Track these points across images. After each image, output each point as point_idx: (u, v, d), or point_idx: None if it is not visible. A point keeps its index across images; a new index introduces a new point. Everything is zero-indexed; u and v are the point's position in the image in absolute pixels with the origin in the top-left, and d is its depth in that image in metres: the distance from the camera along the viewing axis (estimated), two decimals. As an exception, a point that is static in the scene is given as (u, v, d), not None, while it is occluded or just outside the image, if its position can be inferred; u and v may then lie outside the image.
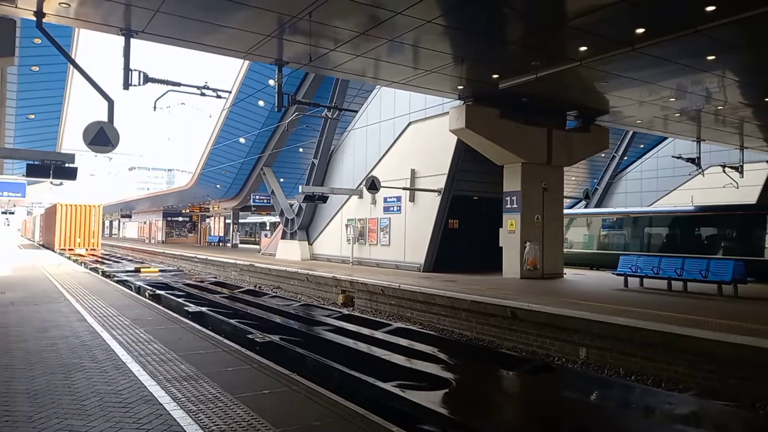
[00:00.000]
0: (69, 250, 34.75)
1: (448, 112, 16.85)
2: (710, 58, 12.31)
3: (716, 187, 27.55)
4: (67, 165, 11.93)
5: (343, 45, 12.16)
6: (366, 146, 23.04)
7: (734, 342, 7.83)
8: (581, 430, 6.81)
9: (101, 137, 10.56)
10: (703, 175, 26.29)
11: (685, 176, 30.20)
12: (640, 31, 10.87)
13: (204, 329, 8.57)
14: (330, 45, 12.24)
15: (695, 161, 24.08)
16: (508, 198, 17.37)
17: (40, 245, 48.12)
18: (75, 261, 28.37)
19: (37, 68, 19.97)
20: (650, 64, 12.74)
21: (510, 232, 17.26)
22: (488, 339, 11.87)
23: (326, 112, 20.23)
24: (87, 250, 35.67)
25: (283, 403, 4.88)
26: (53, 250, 36.26)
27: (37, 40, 16.13)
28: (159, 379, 5.50)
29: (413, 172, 20.15)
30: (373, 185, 19.25)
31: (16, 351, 6.66)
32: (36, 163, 11.73)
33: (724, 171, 26.20)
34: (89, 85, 11.28)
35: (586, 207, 34.82)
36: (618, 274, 14.98)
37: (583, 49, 11.98)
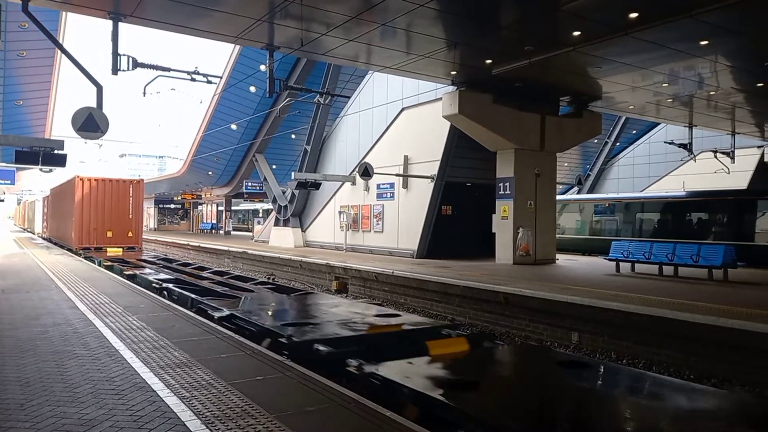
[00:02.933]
0: (96, 249, 21.87)
1: (441, 98, 16.77)
2: (703, 43, 12.30)
3: (708, 172, 27.70)
4: (56, 151, 11.79)
5: (335, 29, 12.03)
6: (359, 132, 22.92)
7: (723, 326, 7.91)
8: None
9: (90, 123, 10.44)
10: (695, 160, 26.44)
11: (677, 162, 30.36)
12: (633, 15, 10.83)
13: (197, 316, 8.55)
14: (322, 29, 12.11)
15: (687, 147, 24.18)
16: (501, 184, 17.38)
17: (44, 239, 34.58)
18: (118, 272, 16.69)
19: (24, 53, 19.65)
20: (643, 49, 12.71)
21: (503, 218, 17.29)
22: (481, 324, 11.94)
23: (318, 98, 20.07)
24: (124, 250, 22.48)
25: (277, 389, 4.88)
26: (69, 249, 23.47)
27: (24, 24, 15.85)
28: (152, 366, 5.49)
29: (406, 158, 20.09)
30: (366, 172, 19.19)
31: (7, 339, 6.62)
32: (25, 149, 11.59)
33: (715, 156, 26.34)
34: (77, 70, 11.12)
35: (578, 193, 34.95)
36: (610, 260, 15.08)
37: (576, 34, 11.93)
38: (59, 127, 30.25)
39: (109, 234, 22.05)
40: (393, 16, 11.22)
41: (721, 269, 12.93)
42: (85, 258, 20.51)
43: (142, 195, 23.66)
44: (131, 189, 22.86)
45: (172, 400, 4.49)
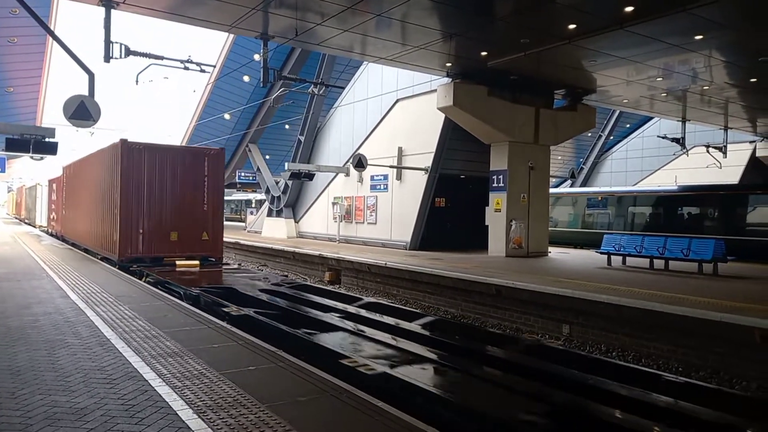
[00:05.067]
0: (154, 261, 14.15)
1: (435, 90, 16.74)
2: (698, 37, 12.32)
3: (700, 167, 27.88)
4: (47, 139, 11.70)
5: (330, 19, 11.95)
6: (353, 123, 22.86)
7: (711, 319, 7.99)
8: None
9: (82, 111, 10.36)
10: (688, 155, 26.58)
11: (669, 156, 30.47)
12: (628, 9, 10.83)
13: (189, 306, 8.54)
14: (317, 19, 12.03)
15: (680, 141, 24.30)
16: (495, 177, 17.40)
17: (51, 235, 26.65)
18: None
19: (16, 40, 19.44)
20: (638, 43, 12.72)
21: (496, 210, 17.33)
22: (473, 316, 11.99)
23: (313, 88, 19.98)
24: (201, 263, 14.52)
25: (269, 380, 4.90)
26: (105, 259, 15.19)
27: (15, 11, 15.66)
28: (144, 356, 5.49)
29: (400, 150, 20.07)
30: (360, 163, 19.16)
31: (-2, 327, 6.57)
32: (15, 137, 11.49)
33: (707, 151, 26.48)
34: (69, 57, 11.01)
35: (571, 186, 35.07)
36: (602, 253, 15.16)
37: (571, 27, 11.91)
38: (50, 114, 29.96)
39: (174, 237, 13.93)
40: (388, 7, 11.16)
41: (712, 263, 13.04)
42: (142, 278, 12.32)
43: (223, 174, 15.30)
44: (206, 164, 14.30)
45: (163, 390, 4.50)
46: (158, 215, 14.03)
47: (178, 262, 13.94)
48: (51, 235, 27.00)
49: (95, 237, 16.41)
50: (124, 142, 13.72)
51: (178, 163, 14.21)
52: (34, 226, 35.25)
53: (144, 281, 11.59)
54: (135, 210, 13.77)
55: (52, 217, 28.33)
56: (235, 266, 18.60)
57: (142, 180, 13.83)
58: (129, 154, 13.73)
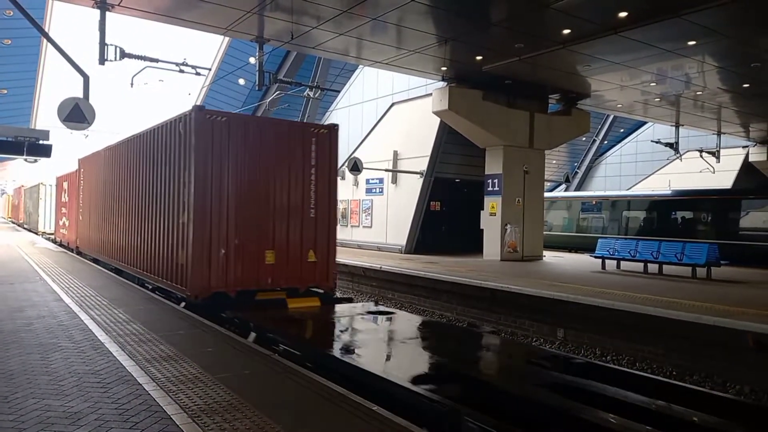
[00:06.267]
0: (240, 296, 8.82)
1: (431, 94, 16.78)
2: (691, 43, 12.42)
3: (693, 171, 28.01)
4: (41, 142, 11.64)
5: (326, 23, 11.98)
6: (348, 127, 22.86)
7: (704, 323, 8.03)
8: None
9: (76, 114, 10.31)
10: (681, 159, 26.73)
11: (663, 161, 30.65)
12: (622, 14, 10.90)
13: (183, 310, 8.51)
14: (312, 22, 12.05)
15: (673, 146, 24.42)
16: (490, 181, 17.45)
17: (63, 246, 20.86)
18: None
19: (10, 41, 19.38)
20: (632, 48, 12.80)
21: (491, 214, 17.37)
22: (468, 320, 12.00)
23: (308, 92, 20.00)
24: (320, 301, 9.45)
25: (264, 384, 4.88)
26: (161, 291, 10.12)
27: (9, 12, 15.61)
28: (138, 360, 5.46)
29: (396, 153, 20.09)
30: (355, 166, 19.16)
31: (-9, 331, 6.52)
32: (9, 139, 11.43)
33: (701, 156, 26.62)
34: (64, 59, 10.97)
35: (566, 190, 35.19)
36: (596, 257, 15.21)
37: (566, 32, 11.98)
38: (45, 117, 29.84)
39: (269, 258, 9.17)
40: (384, 11, 11.19)
41: (705, 267, 13.10)
42: (252, 338, 7.58)
43: (336, 162, 10.00)
44: (314, 147, 9.55)
45: (158, 394, 4.48)
46: (248, 225, 8.88)
47: (291, 304, 8.96)
48: (57, 243, 21.97)
49: (142, 257, 10.85)
50: (199, 110, 8.62)
51: (273, 143, 9.12)
52: (36, 233, 28.98)
53: (274, 356, 6.04)
54: (215, 217, 8.62)
55: (62, 223, 22.11)
56: (370, 304, 10.87)
57: (224, 169, 8.69)
58: (207, 129, 8.56)
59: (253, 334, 7.49)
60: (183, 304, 8.92)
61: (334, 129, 9.77)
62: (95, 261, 15.01)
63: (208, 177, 8.61)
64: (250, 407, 4.21)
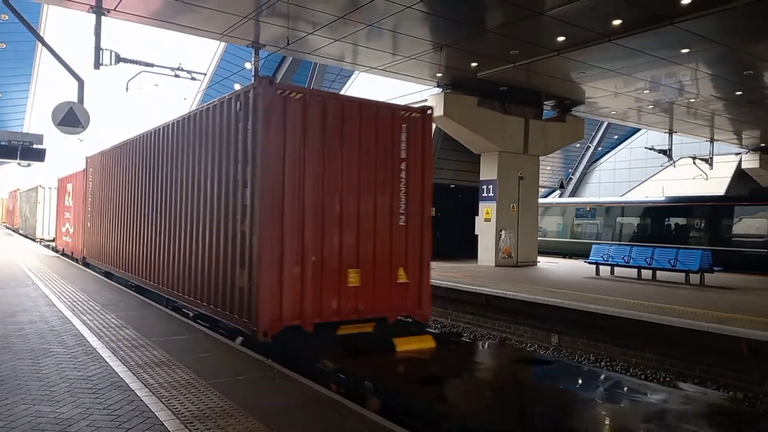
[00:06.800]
0: (323, 329, 6.68)
1: (426, 100, 16.83)
2: (684, 51, 12.52)
3: (686, 178, 28.18)
4: (35, 146, 11.61)
5: (322, 29, 12.01)
6: (343, 132, 22.88)
7: (698, 329, 8.05)
8: None
9: (71, 118, 10.29)
10: (674, 166, 26.87)
11: (657, 167, 30.81)
12: (616, 22, 10.99)
13: (177, 315, 8.46)
14: (308, 28, 12.08)
15: (667, 153, 24.57)
16: (485, 186, 17.49)
17: (69, 257, 18.26)
18: None
19: (4, 45, 19.33)
20: (626, 56, 12.89)
21: (486, 220, 17.40)
22: (463, 326, 12.00)
23: (304, 97, 19.99)
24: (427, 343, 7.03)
25: (257, 389, 4.86)
26: (196, 314, 8.24)
27: (4, 17, 15.57)
28: (130, 365, 5.42)
29: (391, 159, 20.09)
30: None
31: (-18, 336, 6.46)
32: (3, 143, 11.40)
33: (694, 163, 26.79)
34: (59, 63, 10.96)
35: (560, 196, 35.31)
36: (590, 263, 15.25)
37: (561, 39, 12.06)
38: (39, 121, 29.72)
39: (353, 278, 7.04)
40: (380, 17, 11.24)
41: (698, 273, 13.16)
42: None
43: (431, 154, 8.36)
44: (403, 135, 7.54)
45: (150, 400, 4.45)
46: (327, 236, 6.87)
47: (400, 347, 6.69)
48: (64, 255, 19.36)
49: (177, 274, 8.70)
50: (268, 83, 6.56)
51: (357, 130, 7.12)
52: (34, 240, 27.14)
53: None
54: (288, 225, 6.56)
55: (65, 230, 19.90)
56: (507, 346, 9.90)
57: (299, 163, 6.68)
58: (278, 109, 6.55)
59: (376, 400, 5.07)
60: (240, 339, 6.93)
61: (428, 113, 7.83)
62: (107, 275, 12.98)
63: (279, 173, 6.50)
64: (243, 413, 4.19)
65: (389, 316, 7.31)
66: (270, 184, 6.45)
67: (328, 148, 6.84)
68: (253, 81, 13.58)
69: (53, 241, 23.17)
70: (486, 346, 9.05)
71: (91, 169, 15.11)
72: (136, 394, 4.58)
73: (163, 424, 3.95)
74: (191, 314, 8.35)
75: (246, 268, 6.61)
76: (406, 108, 7.90)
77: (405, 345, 6.76)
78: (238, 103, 7.04)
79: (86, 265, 15.31)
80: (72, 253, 18.09)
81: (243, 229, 6.74)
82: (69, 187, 18.95)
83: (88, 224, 15.27)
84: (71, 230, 18.47)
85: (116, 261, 12.20)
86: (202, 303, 7.77)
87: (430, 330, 7.85)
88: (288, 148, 6.57)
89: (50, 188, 25.75)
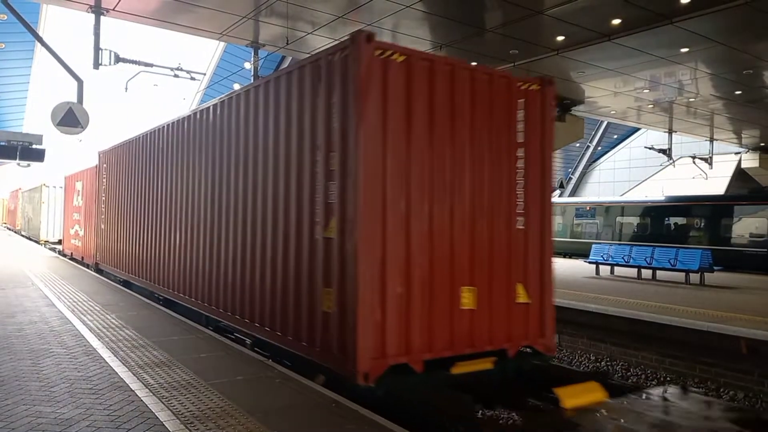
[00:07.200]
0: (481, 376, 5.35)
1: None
2: (684, 50, 12.50)
3: (686, 178, 28.19)
4: (34, 146, 11.60)
5: (321, 28, 12.00)
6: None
7: (698, 329, 8.05)
8: None
9: (70, 118, 10.28)
10: (674, 166, 26.87)
11: (656, 167, 30.81)
12: (616, 21, 10.97)
13: (177, 315, 8.46)
14: (307, 28, 12.07)
15: (666, 152, 24.57)
16: (484, 186, 17.44)
17: (81, 262, 16.88)
18: None
19: (3, 45, 19.30)
20: (625, 55, 12.88)
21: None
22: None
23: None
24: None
25: (257, 390, 4.85)
26: (251, 342, 6.61)
27: (3, 17, 15.55)
28: (130, 366, 5.42)
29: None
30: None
31: (-18, 337, 6.45)
32: (2, 143, 11.39)
33: (694, 162, 26.79)
34: (58, 63, 10.94)
35: (560, 196, 35.32)
36: (590, 262, 15.25)
37: (560, 38, 12.05)
38: (38, 121, 29.67)
39: (467, 299, 5.40)
40: (379, 17, 11.22)
41: (698, 273, 13.16)
42: None
43: (551, 137, 6.39)
44: (521, 112, 6.03)
45: (150, 400, 4.45)
46: (434, 244, 5.35)
47: (568, 401, 5.40)
48: (73, 259, 17.96)
49: (225, 289, 7.18)
50: (366, 40, 4.97)
51: (468, 104, 5.63)
52: (38, 242, 25.43)
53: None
54: (391, 230, 5.06)
55: (73, 232, 18.50)
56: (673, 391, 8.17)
57: (404, 147, 5.21)
58: (376, 75, 5.02)
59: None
60: (321, 378, 5.29)
61: (550, 85, 6.30)
62: (126, 284, 11.59)
63: (380, 162, 4.99)
64: (243, 413, 4.19)
65: (509, 347, 5.63)
66: (370, 177, 4.88)
67: (436, 128, 5.33)
68: (251, 81, 13.58)
69: (59, 243, 21.81)
70: (666, 393, 7.15)
71: (104, 165, 13.70)
72: (137, 395, 4.57)
73: (164, 425, 3.94)
74: (248, 341, 6.61)
75: (334, 287, 5.10)
76: (522, 78, 6.17)
77: (573, 398, 5.17)
78: (325, 67, 5.40)
79: (99, 271, 13.98)
80: (83, 258, 16.67)
81: (328, 235, 5.24)
82: (78, 185, 17.43)
83: (102, 226, 13.83)
84: (81, 233, 16.97)
85: (138, 269, 10.75)
86: (265, 329, 6.13)
87: (589, 374, 6.16)
88: (389, 128, 5.04)
89: (55, 187, 24.04)
